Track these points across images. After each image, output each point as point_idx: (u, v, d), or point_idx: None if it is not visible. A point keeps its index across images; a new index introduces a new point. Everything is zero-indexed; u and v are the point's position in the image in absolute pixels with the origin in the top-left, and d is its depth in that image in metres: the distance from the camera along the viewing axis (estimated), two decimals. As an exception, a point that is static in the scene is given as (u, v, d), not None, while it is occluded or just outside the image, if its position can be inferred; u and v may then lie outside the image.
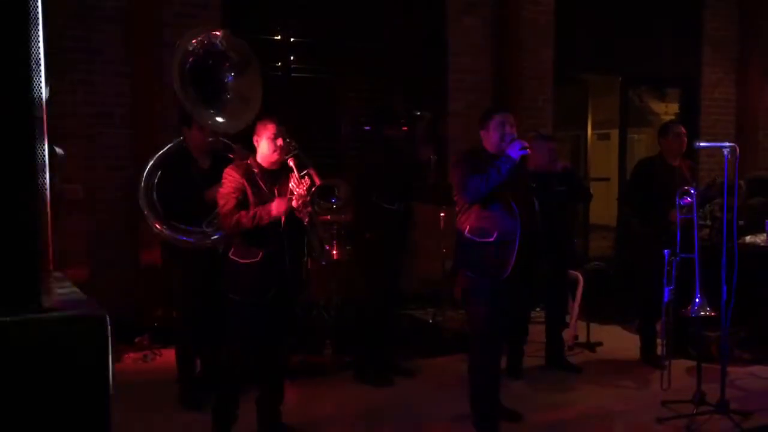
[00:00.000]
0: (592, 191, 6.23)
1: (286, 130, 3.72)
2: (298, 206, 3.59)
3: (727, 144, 3.98)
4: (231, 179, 3.63)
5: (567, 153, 8.92)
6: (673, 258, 4.36)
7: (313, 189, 3.62)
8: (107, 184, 5.81)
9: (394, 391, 4.79)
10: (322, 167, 6.69)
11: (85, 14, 5.79)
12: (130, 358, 5.38)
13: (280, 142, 3.68)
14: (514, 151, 3.70)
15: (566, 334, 5.61)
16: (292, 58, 6.68)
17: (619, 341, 5.96)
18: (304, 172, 3.65)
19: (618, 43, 8.07)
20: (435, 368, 5.18)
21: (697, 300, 4.22)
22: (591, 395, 4.73)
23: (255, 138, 3.75)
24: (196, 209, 4.21)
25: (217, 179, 3.79)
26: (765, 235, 5.80)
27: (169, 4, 6.02)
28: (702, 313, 4.20)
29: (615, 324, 6.45)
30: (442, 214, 5.98)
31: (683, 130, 5.07)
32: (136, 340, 5.52)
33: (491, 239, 3.81)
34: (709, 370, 4.42)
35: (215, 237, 4.19)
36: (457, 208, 4.00)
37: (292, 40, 6.65)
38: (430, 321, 6.11)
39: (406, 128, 5.48)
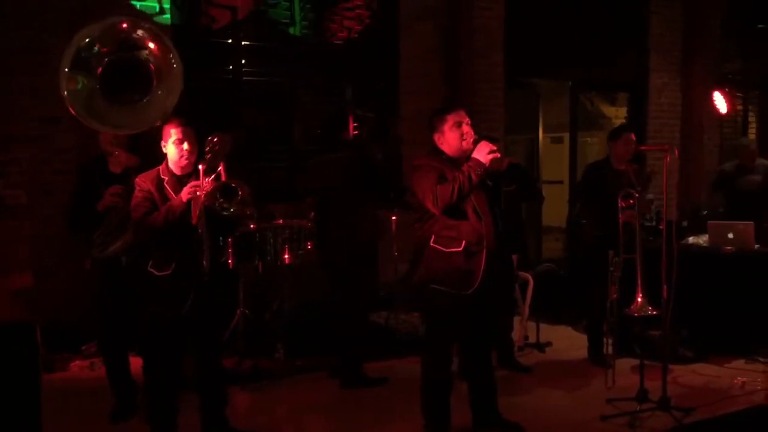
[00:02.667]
0: (544, 193, 6.35)
1: (194, 132, 3.68)
2: (203, 196, 3.52)
3: (666, 147, 4.09)
4: (138, 188, 3.65)
5: (521, 156, 9.04)
6: (616, 258, 4.47)
7: (218, 182, 3.55)
8: (53, 189, 5.70)
9: (346, 394, 4.81)
10: (276, 170, 6.81)
11: (34, 16, 5.68)
12: (77, 366, 5.29)
13: (187, 146, 3.65)
14: (483, 155, 3.60)
15: (516, 335, 5.70)
16: (243, 61, 6.65)
17: (568, 341, 6.07)
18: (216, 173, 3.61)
19: (568, 49, 8.21)
20: (387, 371, 5.20)
21: (638, 299, 4.33)
22: (538, 395, 4.81)
23: (162, 143, 3.72)
24: (92, 218, 4.03)
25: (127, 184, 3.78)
26: (707, 236, 5.97)
27: (119, 6, 5.94)
28: (643, 312, 4.31)
29: (565, 324, 6.57)
30: (393, 218, 6.01)
31: (633, 136, 5.19)
32: (83, 347, 5.42)
33: (459, 249, 3.68)
34: (654, 368, 4.53)
35: (112, 248, 4.03)
36: (416, 215, 3.85)
37: (243, 43, 6.62)
38: (383, 323, 6.13)
39: (356, 132, 5.51)
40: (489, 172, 4.63)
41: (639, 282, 4.33)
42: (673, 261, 4.08)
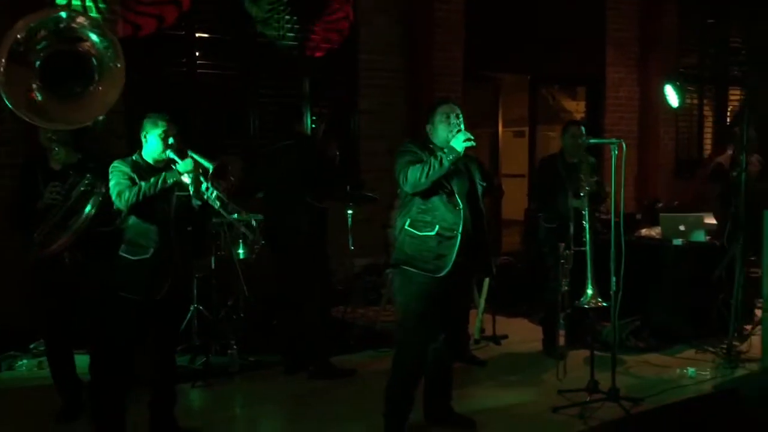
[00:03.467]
0: (505, 188, 6.38)
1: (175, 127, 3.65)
2: (198, 188, 3.53)
3: (614, 140, 4.12)
4: (119, 170, 3.59)
5: (484, 150, 9.06)
6: (566, 251, 4.51)
7: (211, 171, 3.54)
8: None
9: (299, 387, 4.78)
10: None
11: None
12: (25, 365, 5.17)
13: (170, 139, 3.63)
14: (458, 143, 3.61)
15: (472, 328, 5.73)
16: (197, 54, 6.56)
17: (524, 334, 6.11)
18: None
19: (527, 43, 8.26)
20: (346, 365, 5.17)
21: (588, 292, 4.37)
22: (491, 388, 4.83)
23: (142, 133, 3.68)
24: (33, 216, 3.92)
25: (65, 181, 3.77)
26: (659, 228, 6.05)
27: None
28: (593, 304, 4.35)
29: (522, 317, 6.62)
30: (349, 212, 5.98)
31: (581, 130, 5.23)
32: (31, 346, 5.31)
33: (432, 232, 3.71)
34: (607, 359, 4.57)
35: (54, 246, 3.89)
36: (396, 202, 3.92)
37: (197, 35, 6.53)
38: (341, 318, 6.11)
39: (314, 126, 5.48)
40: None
41: (589, 274, 4.37)
42: (620, 253, 4.13)
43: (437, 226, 3.71)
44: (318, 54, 6.93)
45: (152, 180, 3.51)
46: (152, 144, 3.64)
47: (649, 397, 4.48)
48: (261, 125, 6.84)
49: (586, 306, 4.36)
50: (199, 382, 4.81)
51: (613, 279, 4.17)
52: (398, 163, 3.74)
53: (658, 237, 6.07)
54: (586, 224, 4.44)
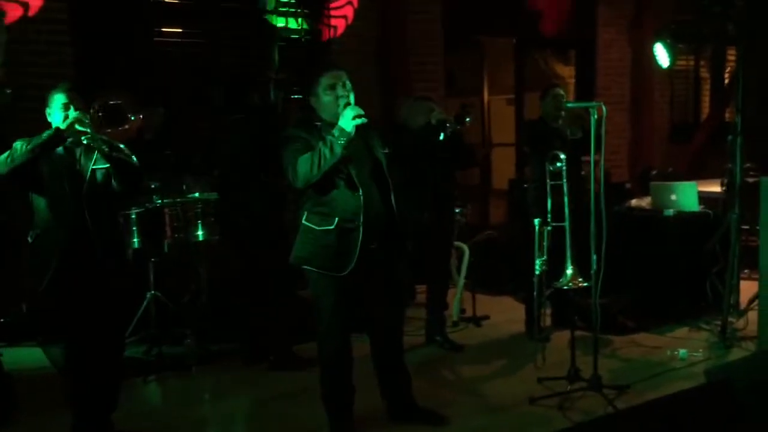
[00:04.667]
0: (494, 156, 5.99)
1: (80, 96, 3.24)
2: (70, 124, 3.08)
3: (594, 103, 3.71)
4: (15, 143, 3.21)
5: (476, 118, 8.62)
6: (544, 227, 4.12)
7: (93, 108, 3.14)
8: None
9: (258, 380, 4.44)
10: (195, 139, 6.30)
11: None
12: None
13: (74, 110, 3.21)
14: (347, 121, 3.19)
15: (450, 310, 5.38)
16: (157, 20, 6.12)
17: (508, 314, 5.74)
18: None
19: (512, 4, 7.77)
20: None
21: (567, 272, 3.99)
22: (467, 375, 4.49)
23: (46, 110, 3.31)
24: None
25: None
26: (650, 198, 5.66)
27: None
28: (573, 285, 3.97)
29: (508, 295, 6.25)
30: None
31: (561, 94, 4.82)
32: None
33: (331, 227, 3.31)
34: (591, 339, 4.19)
35: None
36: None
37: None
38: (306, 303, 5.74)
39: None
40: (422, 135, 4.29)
41: (568, 252, 3.98)
42: (601, 228, 3.73)
43: (336, 219, 3.30)
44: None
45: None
46: (56, 117, 3.26)
47: (636, 384, 4.12)
48: (226, 97, 6.40)
49: (565, 287, 3.98)
50: (151, 376, 4.47)
51: (594, 257, 3.78)
52: (284, 154, 3.29)
53: (648, 207, 5.67)
54: (565, 197, 4.04)
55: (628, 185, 6.12)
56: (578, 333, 4.16)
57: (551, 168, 4.06)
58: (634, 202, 5.81)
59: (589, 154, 3.82)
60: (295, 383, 4.28)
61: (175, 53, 6.22)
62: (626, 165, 8.72)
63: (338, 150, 3.18)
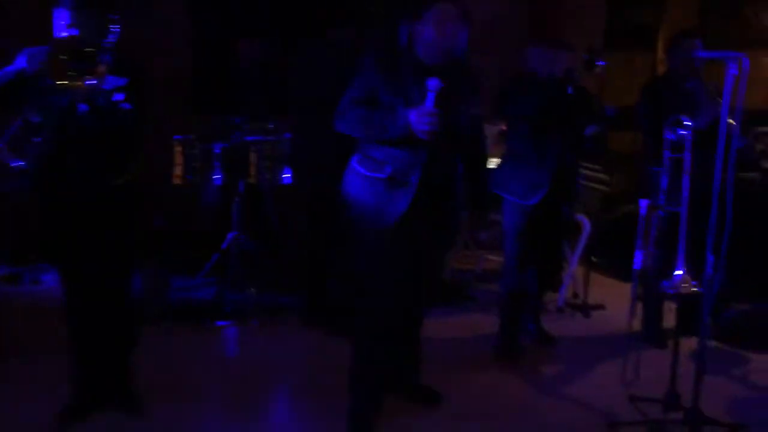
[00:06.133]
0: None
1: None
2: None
3: (732, 54, 2.73)
4: None
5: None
6: (653, 211, 3.22)
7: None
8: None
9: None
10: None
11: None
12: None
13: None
14: (418, 123, 2.70)
15: (556, 294, 4.61)
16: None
17: (627, 305, 4.81)
18: None
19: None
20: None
21: (678, 273, 3.09)
22: (541, 378, 3.74)
23: None
24: None
25: None
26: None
27: None
28: (681, 290, 3.07)
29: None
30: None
31: (695, 44, 3.77)
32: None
33: (381, 175, 2.88)
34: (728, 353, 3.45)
35: None
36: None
37: None
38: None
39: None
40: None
41: (682, 247, 3.08)
42: (723, 218, 2.81)
43: (389, 168, 2.86)
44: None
45: None
46: None
47: (758, 425, 3.18)
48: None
49: (671, 292, 3.10)
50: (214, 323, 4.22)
51: (710, 258, 2.86)
52: (347, 90, 2.90)
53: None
54: (684, 176, 3.10)
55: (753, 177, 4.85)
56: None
57: (673, 137, 3.13)
58: None
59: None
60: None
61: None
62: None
63: (389, 135, 2.79)
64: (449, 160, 2.98)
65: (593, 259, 4.91)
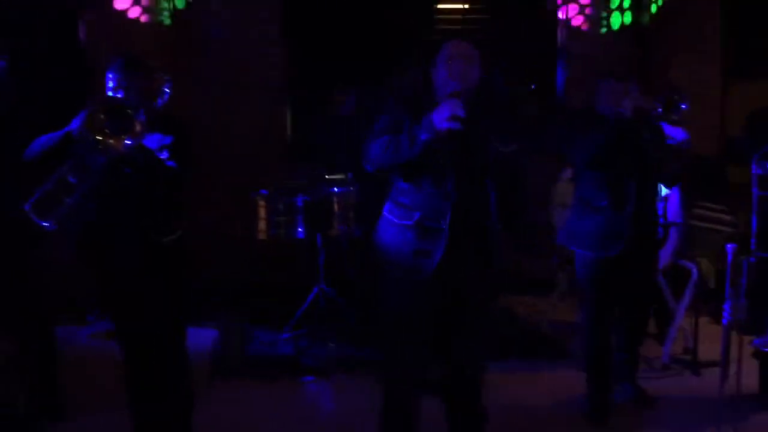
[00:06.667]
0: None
1: None
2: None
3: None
4: None
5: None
6: (744, 257, 2.83)
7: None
8: None
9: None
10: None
11: None
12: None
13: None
14: (439, 118, 2.58)
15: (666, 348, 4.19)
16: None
17: (748, 362, 4.25)
18: None
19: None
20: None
21: (772, 327, 2.67)
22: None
23: None
24: None
25: None
26: None
27: None
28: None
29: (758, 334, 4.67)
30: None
31: None
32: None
33: (410, 222, 2.76)
34: None
35: None
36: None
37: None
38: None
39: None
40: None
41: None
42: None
43: (418, 213, 2.73)
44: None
45: None
46: None
47: None
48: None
49: (765, 350, 2.68)
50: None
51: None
52: (374, 126, 2.81)
53: None
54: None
55: None
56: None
57: (760, 171, 2.75)
58: None
59: None
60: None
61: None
62: None
63: (418, 146, 2.64)
64: (481, 199, 2.80)
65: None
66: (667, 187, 3.91)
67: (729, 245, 2.89)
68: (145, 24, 5.45)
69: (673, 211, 4.44)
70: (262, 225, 4.67)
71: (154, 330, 2.95)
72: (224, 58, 5.77)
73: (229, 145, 5.76)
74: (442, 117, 2.57)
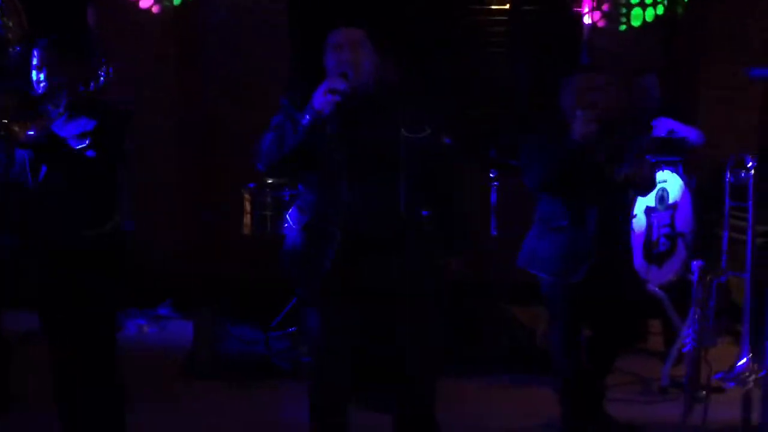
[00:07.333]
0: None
1: None
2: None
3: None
4: None
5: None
6: (713, 276, 2.48)
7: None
8: None
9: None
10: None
11: None
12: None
13: None
14: (317, 96, 2.44)
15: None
16: None
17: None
18: None
19: None
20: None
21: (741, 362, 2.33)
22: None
23: None
24: None
25: None
26: None
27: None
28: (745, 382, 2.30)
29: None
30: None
31: None
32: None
33: (301, 226, 2.64)
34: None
35: None
36: None
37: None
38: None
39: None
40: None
41: (746, 326, 2.32)
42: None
43: (306, 217, 2.62)
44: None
45: None
46: None
47: None
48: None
49: (730, 385, 2.34)
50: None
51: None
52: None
53: None
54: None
55: None
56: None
57: (732, 179, 2.40)
58: None
59: None
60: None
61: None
62: None
63: (301, 131, 2.47)
64: (387, 197, 2.54)
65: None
66: (642, 196, 3.52)
67: (695, 262, 2.54)
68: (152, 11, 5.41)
69: (683, 220, 4.06)
70: (247, 219, 4.52)
71: (79, 324, 2.82)
72: (228, 46, 5.62)
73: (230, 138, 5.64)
74: (320, 94, 2.43)
